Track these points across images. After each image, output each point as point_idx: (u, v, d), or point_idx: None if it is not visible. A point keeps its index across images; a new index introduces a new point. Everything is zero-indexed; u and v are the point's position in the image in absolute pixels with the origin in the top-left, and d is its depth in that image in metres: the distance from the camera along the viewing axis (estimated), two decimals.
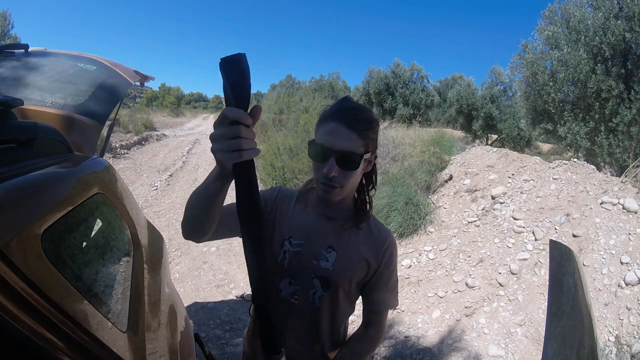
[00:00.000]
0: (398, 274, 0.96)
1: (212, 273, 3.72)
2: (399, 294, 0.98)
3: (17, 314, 0.47)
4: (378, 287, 0.90)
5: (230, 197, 0.62)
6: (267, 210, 0.90)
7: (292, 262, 0.87)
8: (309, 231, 0.88)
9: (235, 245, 4.27)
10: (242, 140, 0.55)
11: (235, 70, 0.53)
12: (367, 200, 0.90)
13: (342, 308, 0.91)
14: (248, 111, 0.56)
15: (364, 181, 0.89)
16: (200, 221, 0.70)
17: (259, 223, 0.65)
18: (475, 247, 3.48)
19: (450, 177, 5.02)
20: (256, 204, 0.63)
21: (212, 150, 0.58)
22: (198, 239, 0.76)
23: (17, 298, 0.48)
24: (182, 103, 48.62)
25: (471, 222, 3.89)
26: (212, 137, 0.57)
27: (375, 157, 0.86)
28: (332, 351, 0.95)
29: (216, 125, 0.57)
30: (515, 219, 3.54)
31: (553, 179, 3.78)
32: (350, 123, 0.75)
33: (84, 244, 0.82)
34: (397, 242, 4.00)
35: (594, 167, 3.78)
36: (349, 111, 0.77)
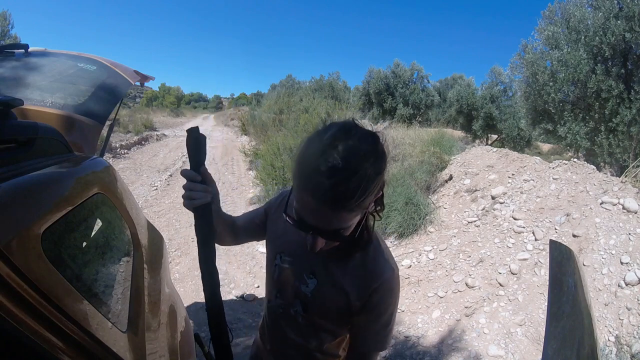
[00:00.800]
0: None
1: None
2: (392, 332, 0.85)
3: (17, 314, 0.47)
4: (360, 327, 0.80)
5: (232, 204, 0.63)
6: (270, 216, 0.92)
7: (280, 277, 0.87)
8: (297, 251, 0.82)
9: (235, 245, 4.26)
10: (193, 192, 0.76)
11: (193, 143, 0.76)
12: (367, 229, 0.74)
13: (324, 330, 0.84)
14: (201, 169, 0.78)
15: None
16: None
17: (212, 249, 0.83)
18: (475, 247, 3.48)
19: (450, 177, 5.02)
20: (211, 235, 0.81)
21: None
22: (225, 245, 0.98)
23: (17, 298, 0.48)
24: (182, 103, 48.66)
25: (471, 222, 3.89)
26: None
27: (382, 194, 0.68)
28: None
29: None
30: (515, 219, 3.54)
31: (553, 179, 3.78)
32: (334, 205, 0.58)
33: (84, 244, 0.82)
34: (397, 242, 4.02)
35: (594, 167, 3.78)
36: (336, 188, 0.57)
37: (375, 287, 0.74)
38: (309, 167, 0.59)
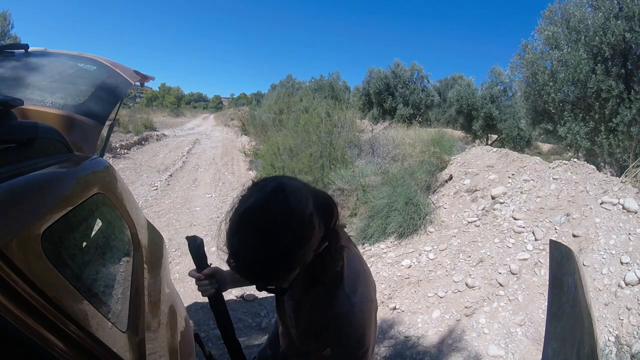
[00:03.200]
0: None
1: None
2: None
3: (17, 314, 0.47)
4: (330, 354, 0.81)
5: None
6: None
7: (278, 308, 0.97)
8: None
9: None
10: (201, 287, 0.96)
11: (194, 250, 0.98)
12: (327, 270, 0.73)
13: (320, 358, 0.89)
14: (206, 268, 0.98)
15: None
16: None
17: (228, 322, 1.02)
18: (475, 247, 3.48)
19: (450, 177, 5.02)
20: (224, 310, 1.00)
21: None
22: None
23: (17, 298, 0.48)
24: (182, 103, 48.65)
25: (471, 222, 3.88)
26: None
27: (320, 244, 0.67)
28: None
29: None
30: (515, 219, 3.54)
31: (553, 179, 3.78)
32: (254, 280, 0.62)
33: (84, 244, 0.82)
34: (397, 242, 4.02)
35: (594, 167, 3.78)
36: (248, 269, 0.60)
37: (329, 320, 0.73)
38: (228, 242, 0.61)
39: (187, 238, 0.98)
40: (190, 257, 0.98)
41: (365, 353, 0.75)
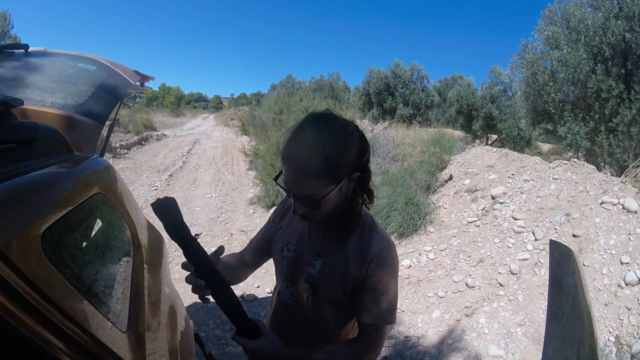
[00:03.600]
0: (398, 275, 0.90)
1: None
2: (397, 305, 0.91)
3: (17, 314, 0.47)
4: (363, 300, 0.84)
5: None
6: (274, 224, 0.99)
7: (289, 266, 0.92)
8: (302, 237, 0.90)
9: (235, 245, 4.26)
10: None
11: (165, 214, 0.72)
12: (357, 211, 0.83)
13: (333, 315, 0.89)
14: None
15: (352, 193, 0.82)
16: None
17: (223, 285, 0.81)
18: (475, 247, 3.48)
19: (450, 177, 5.02)
20: (218, 278, 0.80)
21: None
22: (245, 278, 1.10)
23: (17, 298, 0.48)
24: (182, 103, 48.70)
25: (471, 222, 3.89)
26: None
27: (357, 176, 0.77)
28: None
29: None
30: (515, 219, 3.54)
31: (553, 179, 3.78)
32: (303, 170, 0.71)
33: (84, 244, 0.82)
34: (397, 242, 4.02)
35: (594, 167, 3.78)
36: (300, 154, 0.71)
37: (372, 258, 0.81)
38: (286, 141, 0.74)
39: (153, 204, 0.73)
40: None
41: (396, 296, 0.86)
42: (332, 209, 0.78)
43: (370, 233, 0.84)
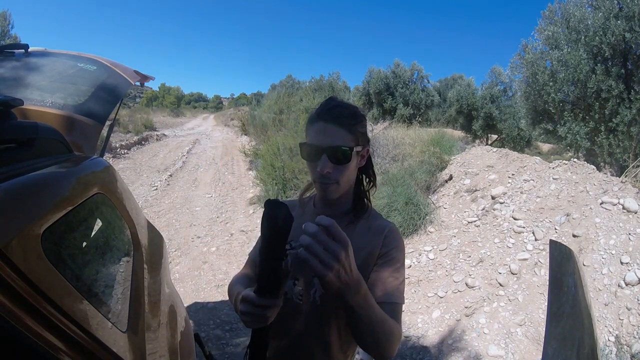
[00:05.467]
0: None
1: (212, 273, 3.72)
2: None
3: (17, 314, 0.47)
4: (377, 280, 0.82)
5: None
6: None
7: (294, 263, 0.86)
8: None
9: (235, 245, 4.26)
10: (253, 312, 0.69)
11: (273, 224, 0.56)
12: (365, 195, 0.92)
13: (340, 315, 0.85)
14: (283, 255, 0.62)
15: (360, 176, 0.92)
16: None
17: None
18: (475, 247, 3.48)
19: (450, 177, 5.02)
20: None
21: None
22: None
23: (17, 298, 0.48)
24: (182, 103, 48.70)
25: (471, 222, 3.89)
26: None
27: (368, 150, 0.89)
28: (341, 354, 0.90)
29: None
30: (515, 219, 3.54)
31: (553, 179, 3.78)
32: (337, 119, 0.80)
33: (84, 244, 0.82)
34: None
35: (594, 167, 3.78)
36: (334, 109, 0.82)
37: (385, 235, 0.86)
38: (319, 108, 0.84)
39: (267, 202, 0.58)
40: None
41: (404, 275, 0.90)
42: (350, 179, 0.85)
43: (376, 217, 0.92)
